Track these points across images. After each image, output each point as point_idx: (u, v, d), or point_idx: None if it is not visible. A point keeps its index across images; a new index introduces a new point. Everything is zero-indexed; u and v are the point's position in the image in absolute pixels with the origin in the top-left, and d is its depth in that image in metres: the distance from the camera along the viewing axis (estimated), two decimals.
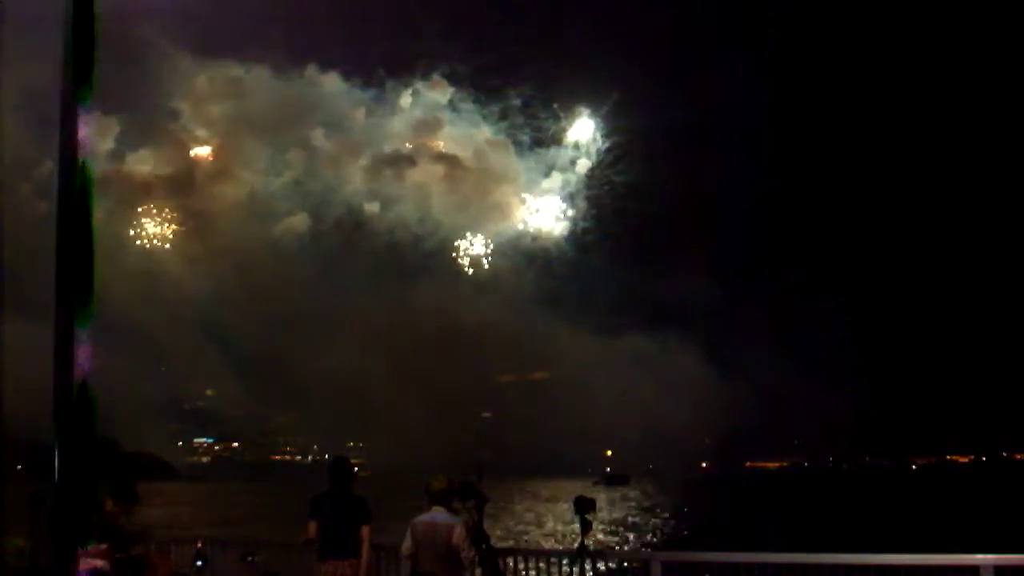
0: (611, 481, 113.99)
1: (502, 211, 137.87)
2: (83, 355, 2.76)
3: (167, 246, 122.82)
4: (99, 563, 8.80)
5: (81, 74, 2.86)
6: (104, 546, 8.90)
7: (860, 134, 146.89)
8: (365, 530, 9.18)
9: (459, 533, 8.42)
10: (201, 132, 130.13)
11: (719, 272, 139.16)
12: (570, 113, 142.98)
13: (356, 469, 10.08)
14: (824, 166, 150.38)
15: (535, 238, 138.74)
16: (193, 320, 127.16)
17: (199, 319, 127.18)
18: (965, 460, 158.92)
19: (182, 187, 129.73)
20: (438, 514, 8.53)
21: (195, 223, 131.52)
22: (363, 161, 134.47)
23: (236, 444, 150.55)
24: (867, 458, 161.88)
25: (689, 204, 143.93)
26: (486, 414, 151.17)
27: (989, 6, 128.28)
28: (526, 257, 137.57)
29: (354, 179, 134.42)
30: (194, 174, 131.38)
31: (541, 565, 10.45)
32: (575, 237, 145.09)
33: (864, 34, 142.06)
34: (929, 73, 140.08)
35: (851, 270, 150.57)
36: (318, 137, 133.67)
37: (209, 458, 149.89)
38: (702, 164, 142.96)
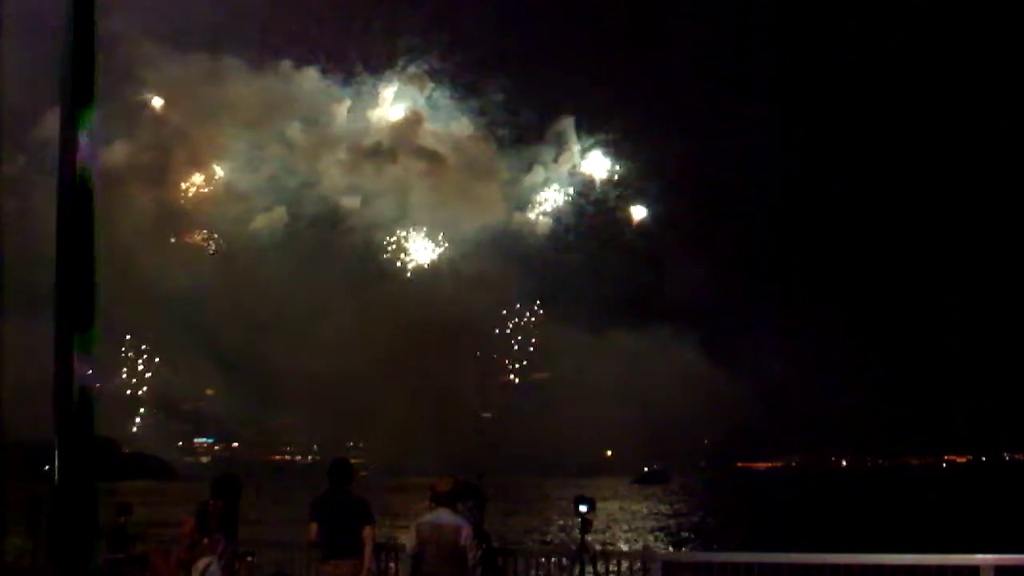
0: (647, 480, 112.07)
1: (484, 207, 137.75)
2: (87, 372, 2.76)
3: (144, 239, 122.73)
4: (206, 561, 8.60)
5: (82, 92, 2.86)
6: (207, 542, 8.67)
7: (864, 131, 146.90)
8: (368, 531, 9.16)
9: (467, 534, 8.43)
10: (176, 125, 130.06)
11: (719, 270, 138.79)
12: (552, 109, 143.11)
13: (361, 472, 10.08)
14: (827, 165, 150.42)
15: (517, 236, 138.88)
16: (181, 318, 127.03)
17: (185, 316, 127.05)
18: (963, 460, 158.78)
19: (157, 180, 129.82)
20: (443, 515, 8.53)
21: (170, 216, 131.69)
22: (341, 155, 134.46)
23: (236, 444, 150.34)
24: (868, 459, 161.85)
25: (687, 201, 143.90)
26: (486, 414, 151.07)
27: (989, 10, 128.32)
28: (510, 254, 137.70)
29: (333, 174, 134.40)
30: (169, 167, 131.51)
31: (541, 565, 10.45)
32: (557, 235, 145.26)
33: (873, 32, 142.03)
34: (932, 76, 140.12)
35: (852, 269, 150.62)
36: (296, 131, 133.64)
37: (209, 458, 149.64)
38: (701, 161, 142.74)
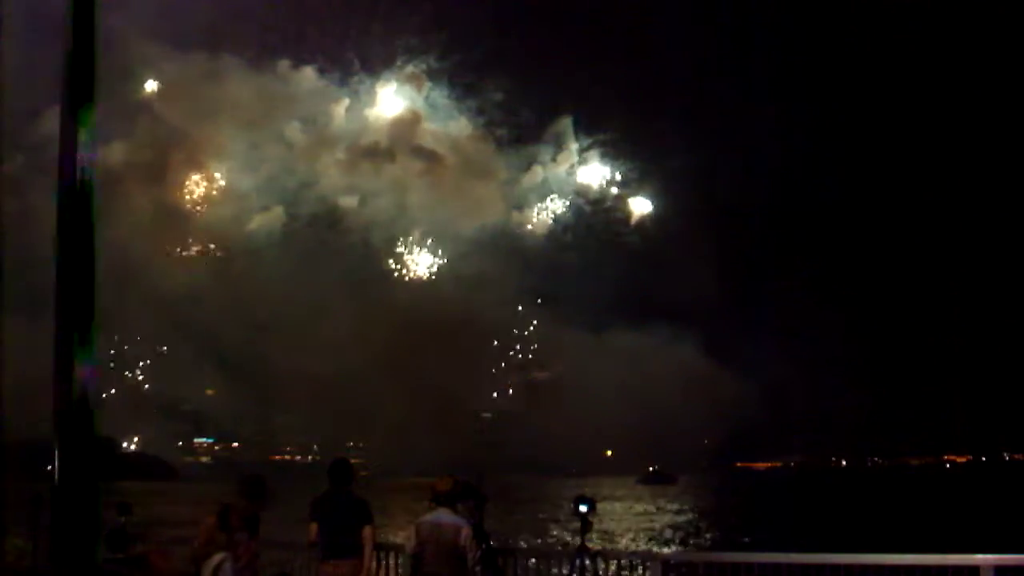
0: (653, 480, 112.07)
1: (483, 206, 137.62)
2: (88, 375, 2.76)
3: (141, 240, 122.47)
4: (220, 557, 8.40)
5: (82, 92, 2.86)
6: (224, 537, 8.47)
7: (864, 130, 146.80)
8: (367, 531, 9.17)
9: (466, 534, 8.43)
10: (174, 124, 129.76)
11: (719, 270, 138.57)
12: (551, 108, 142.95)
13: (361, 472, 10.07)
14: (828, 165, 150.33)
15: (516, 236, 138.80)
16: (181, 317, 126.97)
17: (185, 316, 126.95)
18: (963, 460, 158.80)
19: (155, 179, 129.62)
20: (443, 515, 8.53)
21: (168, 216, 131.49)
22: (339, 155, 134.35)
23: (236, 444, 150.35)
24: (868, 459, 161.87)
25: (686, 201, 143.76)
26: (486, 414, 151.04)
27: (993, 12, 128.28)
28: (508, 254, 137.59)
29: (331, 174, 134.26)
30: (167, 166, 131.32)
31: (541, 565, 10.46)
32: (556, 235, 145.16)
33: (873, 30, 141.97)
34: (932, 75, 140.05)
35: (852, 269, 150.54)
36: (294, 131, 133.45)
37: (209, 458, 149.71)
38: (700, 160, 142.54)
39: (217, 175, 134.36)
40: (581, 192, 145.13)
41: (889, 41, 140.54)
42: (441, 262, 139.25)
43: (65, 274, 2.79)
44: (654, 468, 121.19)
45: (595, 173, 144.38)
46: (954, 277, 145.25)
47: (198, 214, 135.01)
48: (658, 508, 68.44)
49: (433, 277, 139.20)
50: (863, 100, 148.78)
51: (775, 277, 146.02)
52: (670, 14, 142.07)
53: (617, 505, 67.30)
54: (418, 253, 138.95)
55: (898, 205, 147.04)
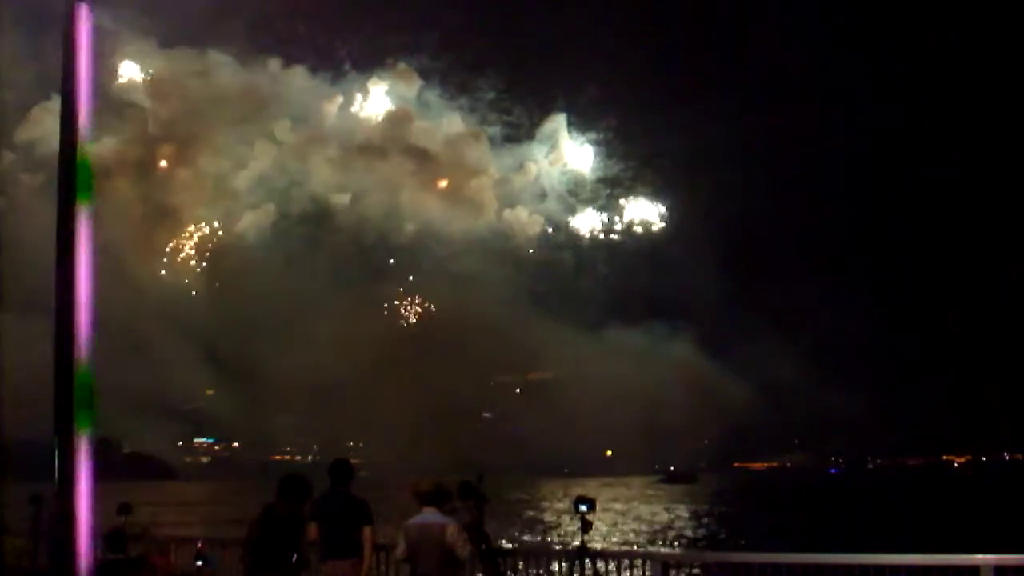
0: (673, 479, 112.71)
1: (475, 205, 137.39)
2: (87, 376, 2.76)
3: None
4: None
5: (81, 97, 2.86)
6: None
7: (863, 128, 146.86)
8: (367, 531, 9.18)
9: (451, 532, 8.41)
10: (163, 121, 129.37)
11: (718, 268, 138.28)
12: (543, 107, 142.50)
13: (361, 472, 10.07)
14: (826, 163, 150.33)
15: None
16: (180, 317, 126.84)
17: (184, 316, 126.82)
18: (963, 460, 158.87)
19: (144, 177, 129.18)
20: (429, 515, 8.52)
21: (158, 215, 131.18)
22: (330, 153, 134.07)
23: (236, 444, 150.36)
24: (868, 459, 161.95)
25: (684, 199, 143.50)
26: (487, 414, 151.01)
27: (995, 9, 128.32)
28: (502, 253, 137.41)
29: (322, 172, 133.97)
30: (156, 164, 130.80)
31: (541, 565, 10.46)
32: (549, 234, 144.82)
33: (870, 26, 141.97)
34: (929, 71, 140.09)
35: (852, 268, 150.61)
36: (285, 129, 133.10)
37: (209, 458, 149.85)
38: (697, 159, 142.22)
39: (208, 172, 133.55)
40: (575, 191, 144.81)
41: (887, 36, 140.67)
42: (432, 309, 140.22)
43: (64, 274, 2.80)
44: (673, 468, 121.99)
45: (584, 161, 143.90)
46: (953, 277, 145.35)
47: (187, 212, 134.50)
48: (669, 508, 68.34)
49: (420, 319, 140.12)
50: (863, 96, 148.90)
51: (775, 276, 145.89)
52: (666, 12, 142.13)
53: (644, 507, 65.79)
54: (411, 304, 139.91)
55: (897, 204, 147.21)
